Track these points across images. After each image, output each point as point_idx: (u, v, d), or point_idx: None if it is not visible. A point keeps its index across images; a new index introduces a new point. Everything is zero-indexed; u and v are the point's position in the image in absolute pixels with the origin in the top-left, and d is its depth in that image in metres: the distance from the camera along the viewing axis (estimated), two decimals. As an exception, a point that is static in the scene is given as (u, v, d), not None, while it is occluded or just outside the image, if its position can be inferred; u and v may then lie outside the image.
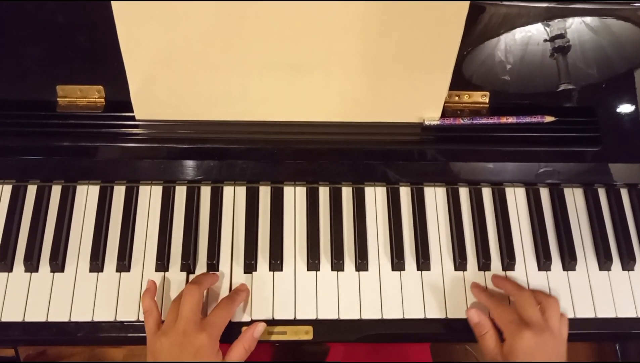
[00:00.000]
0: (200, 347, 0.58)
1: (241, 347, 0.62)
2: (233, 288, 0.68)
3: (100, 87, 0.70)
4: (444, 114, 0.71)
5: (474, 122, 0.71)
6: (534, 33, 0.73)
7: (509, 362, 0.60)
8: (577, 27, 0.72)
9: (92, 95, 0.71)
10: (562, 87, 0.71)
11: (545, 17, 0.69)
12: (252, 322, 0.66)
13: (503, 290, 0.68)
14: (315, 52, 0.63)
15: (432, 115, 0.71)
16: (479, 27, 0.69)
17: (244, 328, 0.65)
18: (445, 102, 0.70)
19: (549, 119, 0.71)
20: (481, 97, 0.73)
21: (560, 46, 0.71)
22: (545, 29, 0.72)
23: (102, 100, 0.71)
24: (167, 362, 0.58)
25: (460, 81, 0.71)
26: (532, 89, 0.74)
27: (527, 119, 0.71)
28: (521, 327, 0.60)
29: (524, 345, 0.59)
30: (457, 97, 0.73)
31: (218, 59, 0.64)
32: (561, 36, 0.71)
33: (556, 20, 0.71)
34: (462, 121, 0.71)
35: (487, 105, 0.73)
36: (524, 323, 0.61)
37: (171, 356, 0.59)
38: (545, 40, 0.72)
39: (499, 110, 0.72)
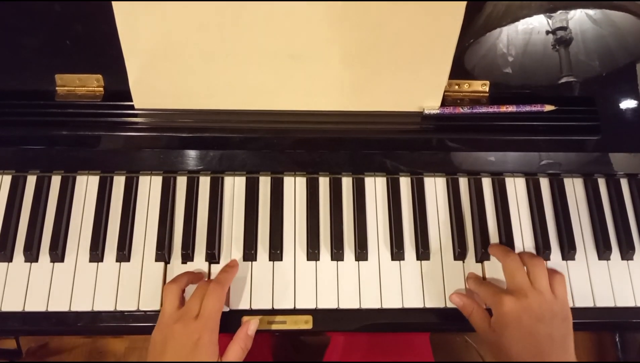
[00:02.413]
0: (199, 341, 0.58)
1: (237, 348, 0.61)
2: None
3: (99, 76, 0.70)
4: (443, 103, 0.71)
5: (474, 111, 0.71)
6: (536, 25, 0.72)
7: (499, 339, 0.60)
8: (579, 19, 0.72)
9: (91, 84, 0.70)
10: (564, 79, 0.71)
11: (547, 8, 0.69)
12: (252, 310, 0.66)
13: (495, 257, 0.69)
14: (314, 41, 0.63)
15: (431, 104, 0.70)
16: (481, 19, 0.69)
17: (244, 319, 0.66)
18: (445, 91, 0.70)
19: (548, 108, 0.71)
20: (481, 86, 0.73)
21: (562, 38, 0.71)
22: (547, 21, 0.72)
23: (101, 89, 0.71)
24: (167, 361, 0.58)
25: (460, 70, 0.71)
26: (534, 82, 0.73)
27: (527, 108, 0.71)
28: (501, 295, 0.61)
29: (507, 310, 0.60)
30: (457, 86, 0.73)
31: (216, 49, 0.64)
32: (563, 28, 0.71)
33: (558, 12, 0.70)
34: (462, 110, 0.71)
35: (487, 94, 0.73)
36: (505, 291, 0.62)
37: (170, 348, 0.58)
38: (548, 33, 0.72)
39: (498, 99, 0.72)
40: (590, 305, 0.69)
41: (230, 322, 0.66)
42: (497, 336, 0.61)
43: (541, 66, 0.74)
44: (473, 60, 0.72)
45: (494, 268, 0.70)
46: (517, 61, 0.73)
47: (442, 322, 0.68)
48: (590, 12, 0.71)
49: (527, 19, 0.71)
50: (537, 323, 0.59)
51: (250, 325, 0.63)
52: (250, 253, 0.69)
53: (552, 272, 0.65)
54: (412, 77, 0.67)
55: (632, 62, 0.75)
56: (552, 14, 0.71)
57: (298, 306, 0.67)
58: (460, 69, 0.71)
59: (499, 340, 0.60)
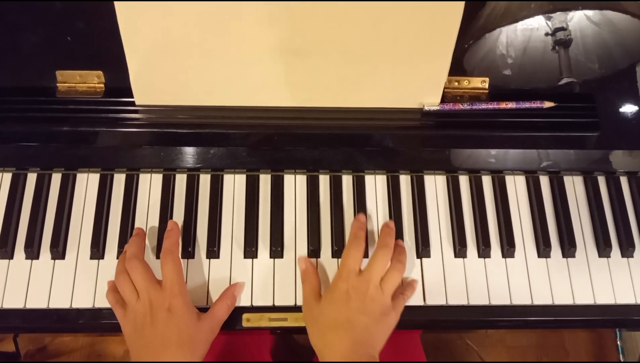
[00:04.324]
0: (170, 308, 0.60)
1: (224, 304, 0.65)
2: (232, 275, 0.68)
3: (100, 72, 0.70)
4: (443, 100, 0.71)
5: (474, 107, 0.71)
6: (535, 26, 0.73)
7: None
8: (578, 20, 0.72)
9: (92, 80, 0.71)
10: (563, 81, 0.72)
11: (547, 9, 0.69)
12: (253, 307, 0.66)
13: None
14: (314, 38, 0.63)
15: (431, 100, 0.71)
16: (480, 20, 0.70)
17: (245, 316, 0.66)
18: (444, 87, 0.70)
19: (548, 104, 0.71)
20: (481, 83, 0.73)
21: (561, 39, 0.71)
22: (546, 22, 0.72)
23: (102, 85, 0.71)
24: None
25: (460, 67, 0.71)
26: (533, 84, 0.74)
27: (527, 105, 0.71)
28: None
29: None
30: (456, 83, 0.73)
31: (217, 44, 0.64)
32: (562, 29, 0.71)
33: (558, 13, 0.71)
34: (461, 107, 0.71)
35: (487, 91, 0.73)
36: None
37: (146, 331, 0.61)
38: (547, 34, 0.72)
39: (498, 95, 0.72)
40: (591, 302, 0.69)
41: (231, 319, 0.65)
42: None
43: (541, 67, 0.74)
44: (473, 61, 0.73)
45: (494, 266, 0.70)
46: (516, 62, 0.73)
47: (443, 320, 0.68)
48: (590, 13, 0.72)
49: (527, 20, 0.71)
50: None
51: (237, 287, 0.67)
52: (251, 251, 0.69)
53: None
54: (412, 74, 0.68)
55: (632, 63, 0.75)
56: (551, 15, 0.72)
57: (299, 304, 0.67)
58: (460, 67, 0.71)
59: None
